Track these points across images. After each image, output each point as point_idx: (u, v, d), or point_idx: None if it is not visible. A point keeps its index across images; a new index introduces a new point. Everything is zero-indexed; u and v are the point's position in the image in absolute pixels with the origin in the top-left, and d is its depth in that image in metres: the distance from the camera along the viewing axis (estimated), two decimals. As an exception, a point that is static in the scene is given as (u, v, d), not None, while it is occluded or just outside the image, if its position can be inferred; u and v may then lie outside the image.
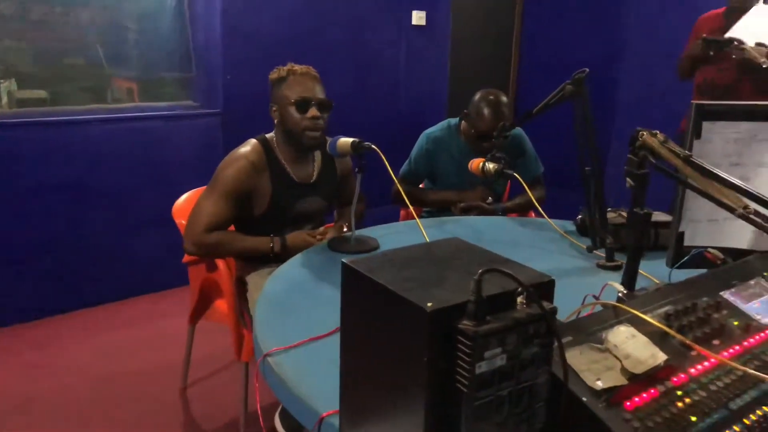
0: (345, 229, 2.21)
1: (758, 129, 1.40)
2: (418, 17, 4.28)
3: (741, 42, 2.98)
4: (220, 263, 2.14)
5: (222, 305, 2.31)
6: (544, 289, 0.81)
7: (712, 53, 3.05)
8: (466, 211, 2.63)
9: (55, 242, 3.27)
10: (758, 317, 1.09)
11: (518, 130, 2.78)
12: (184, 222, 2.15)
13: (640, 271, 1.35)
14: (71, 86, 3.39)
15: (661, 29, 4.23)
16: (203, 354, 2.75)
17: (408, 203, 2.04)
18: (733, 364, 0.95)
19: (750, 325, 1.06)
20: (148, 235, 3.50)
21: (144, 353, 2.95)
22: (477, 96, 2.65)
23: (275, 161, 2.14)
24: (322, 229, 2.20)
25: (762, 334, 1.05)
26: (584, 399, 0.84)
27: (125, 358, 2.91)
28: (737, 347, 1.00)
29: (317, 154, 2.27)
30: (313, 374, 1.19)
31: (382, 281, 0.80)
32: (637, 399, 0.85)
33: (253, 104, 3.57)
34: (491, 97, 2.60)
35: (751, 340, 1.03)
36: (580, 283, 1.57)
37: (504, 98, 2.64)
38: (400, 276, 0.81)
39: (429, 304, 0.73)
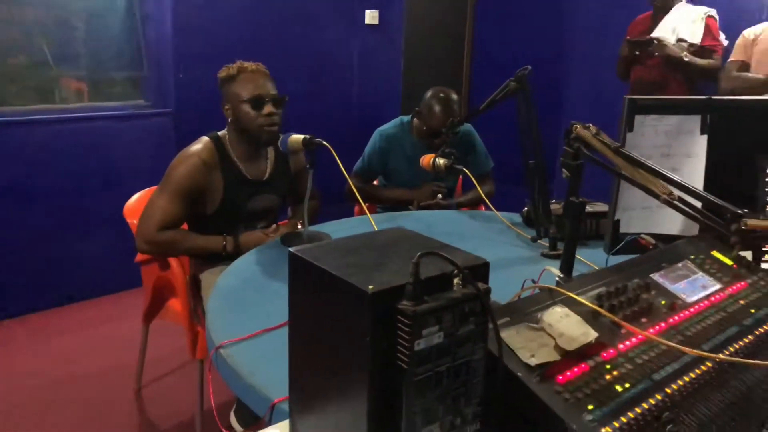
0: (299, 226, 2.24)
1: (685, 122, 1.48)
2: (371, 16, 4.32)
3: (661, 40, 3.14)
4: (173, 262, 2.14)
5: (176, 304, 2.31)
6: (479, 271, 0.86)
7: (637, 53, 3.21)
8: (424, 209, 2.69)
9: (1, 246, 3.19)
10: (684, 296, 1.16)
11: (468, 126, 2.85)
12: (135, 222, 2.14)
13: (580, 258, 1.42)
14: (16, 86, 3.32)
15: (604, 30, 4.37)
16: (158, 354, 2.74)
17: (359, 199, 2.08)
18: (659, 339, 1.02)
19: (676, 304, 1.13)
20: (99, 237, 3.45)
21: (97, 356, 2.92)
22: (428, 94, 2.71)
23: (228, 159, 2.16)
24: (274, 227, 2.22)
25: (686, 312, 1.12)
26: (519, 374, 0.89)
27: (78, 361, 2.87)
28: (663, 324, 1.07)
29: (270, 152, 2.29)
30: (265, 364, 1.22)
31: (326, 267, 0.84)
32: (568, 373, 0.91)
33: (206, 103, 3.54)
34: (442, 95, 2.66)
35: (676, 317, 1.10)
36: (525, 270, 1.63)
37: (454, 96, 2.70)
38: (344, 262, 0.85)
39: (370, 287, 0.77)
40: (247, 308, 1.52)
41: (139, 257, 2.28)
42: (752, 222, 1.06)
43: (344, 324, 0.82)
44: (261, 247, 1.99)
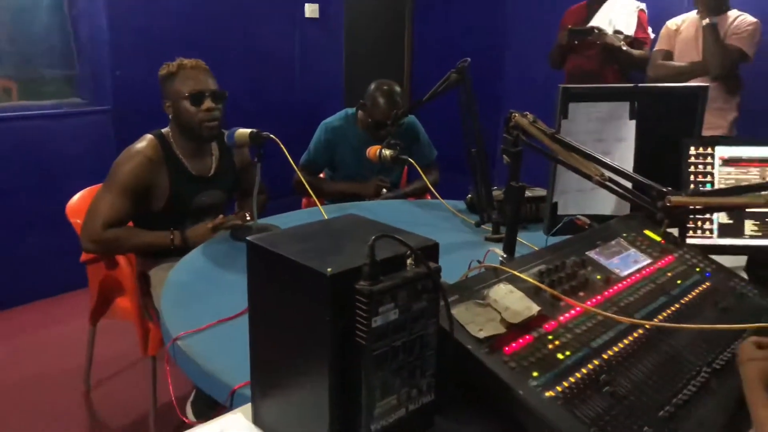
0: (248, 219, 2.25)
1: (615, 108, 1.58)
2: (311, 10, 4.33)
3: (601, 29, 3.28)
4: (121, 259, 2.12)
5: (124, 302, 2.29)
6: (429, 251, 0.91)
7: (576, 42, 3.33)
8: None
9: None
10: (617, 271, 1.25)
11: (412, 118, 2.91)
12: (79, 221, 2.11)
13: (522, 240, 1.50)
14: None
15: (539, 21, 4.51)
16: (107, 355, 2.70)
17: (309, 190, 2.11)
18: (595, 310, 1.10)
19: (610, 278, 1.22)
20: (38, 238, 3.35)
21: (42, 359, 2.85)
22: (372, 86, 2.75)
23: (172, 156, 2.15)
24: (221, 216, 2.21)
25: (620, 285, 1.21)
26: (469, 347, 0.95)
27: (22, 365, 2.80)
28: (599, 297, 1.15)
29: (214, 147, 2.29)
30: (224, 353, 1.25)
31: (284, 253, 0.87)
32: (514, 344, 0.98)
33: (146, 100, 3.49)
34: (385, 87, 2.71)
35: (611, 290, 1.19)
36: (471, 254, 1.68)
37: (397, 88, 2.75)
38: (301, 248, 0.89)
39: (329, 269, 0.81)
40: (200, 301, 1.53)
41: (85, 256, 2.24)
42: (675, 198, 1.15)
43: (304, 306, 0.86)
44: (210, 241, 1.99)
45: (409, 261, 0.87)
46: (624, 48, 3.29)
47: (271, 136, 1.90)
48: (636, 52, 3.38)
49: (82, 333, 2.53)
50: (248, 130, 1.95)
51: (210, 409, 2.04)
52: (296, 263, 0.85)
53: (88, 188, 2.39)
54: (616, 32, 3.32)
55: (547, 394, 0.91)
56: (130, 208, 2.06)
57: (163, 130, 2.18)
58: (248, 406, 1.02)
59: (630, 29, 3.42)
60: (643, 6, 3.48)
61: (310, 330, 0.85)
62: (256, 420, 0.99)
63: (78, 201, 2.36)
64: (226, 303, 1.44)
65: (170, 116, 2.15)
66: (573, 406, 0.90)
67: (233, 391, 1.11)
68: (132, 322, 2.20)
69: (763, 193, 1.11)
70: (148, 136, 2.14)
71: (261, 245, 0.91)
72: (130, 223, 2.15)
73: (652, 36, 3.46)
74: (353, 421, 0.85)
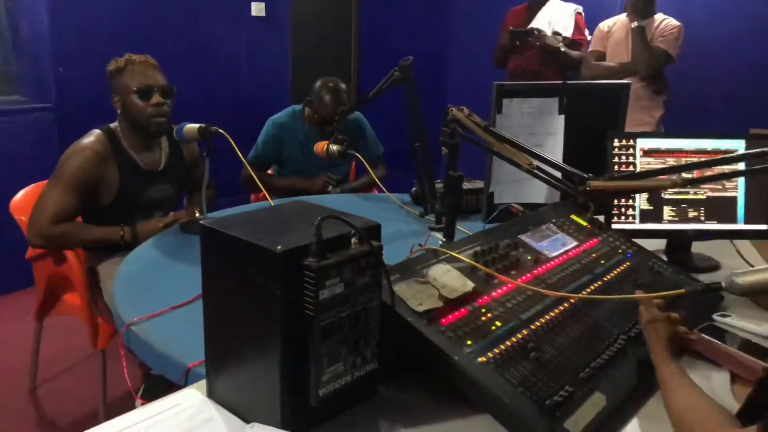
0: (197, 214, 2.27)
1: (545, 104, 1.70)
2: (257, 8, 4.36)
3: (541, 31, 3.43)
4: (70, 255, 2.12)
5: (72, 298, 2.29)
6: (372, 231, 0.99)
7: (518, 43, 3.47)
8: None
9: None
10: (546, 252, 1.36)
11: (358, 114, 2.99)
12: (24, 218, 2.10)
13: (462, 229, 1.60)
14: None
15: (481, 22, 4.65)
16: (53, 352, 2.68)
17: (258, 183, 2.16)
18: (525, 286, 1.20)
19: (539, 258, 1.33)
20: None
21: (-16, 360, 2.80)
22: (318, 84, 2.82)
23: (121, 150, 2.16)
24: (171, 214, 2.25)
25: (548, 264, 1.32)
26: (409, 319, 1.04)
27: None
28: (529, 275, 1.26)
29: (164, 142, 2.31)
30: (177, 337, 1.30)
31: (237, 234, 0.94)
32: (450, 317, 1.07)
33: (90, 96, 3.46)
34: (331, 84, 2.78)
35: (540, 269, 1.29)
36: (415, 241, 1.78)
37: (343, 85, 2.83)
38: (252, 229, 0.96)
39: (279, 247, 0.88)
40: (152, 290, 1.57)
41: (31, 252, 2.23)
42: (594, 183, 1.27)
43: (256, 283, 0.93)
44: (159, 235, 2.02)
45: (353, 240, 0.95)
46: (562, 49, 3.45)
47: (220, 130, 1.95)
48: (573, 52, 3.55)
49: (27, 332, 2.51)
50: (197, 125, 1.99)
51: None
52: (248, 243, 0.92)
53: (33, 185, 2.38)
54: (555, 34, 3.49)
55: (480, 359, 1.00)
56: (78, 202, 2.06)
57: (112, 125, 2.19)
58: (202, 383, 1.08)
59: (568, 31, 3.59)
60: (580, 9, 3.66)
61: (261, 305, 0.92)
62: (211, 394, 1.05)
63: (22, 198, 2.34)
64: (177, 292, 1.48)
65: (119, 111, 2.16)
66: (503, 370, 0.99)
67: (188, 370, 1.16)
68: (79, 318, 2.20)
69: (668, 176, 1.24)
70: (96, 131, 2.15)
71: (214, 228, 0.98)
72: (79, 219, 2.16)
73: (589, 38, 3.63)
74: (303, 387, 0.92)
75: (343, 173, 3.05)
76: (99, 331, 2.16)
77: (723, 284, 1.19)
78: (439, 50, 4.97)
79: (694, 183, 1.32)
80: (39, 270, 2.34)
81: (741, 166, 1.60)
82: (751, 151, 1.28)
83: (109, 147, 2.13)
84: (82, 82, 3.52)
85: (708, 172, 1.55)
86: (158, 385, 1.83)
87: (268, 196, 2.12)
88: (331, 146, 2.31)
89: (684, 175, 1.22)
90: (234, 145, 1.91)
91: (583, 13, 3.67)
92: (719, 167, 1.41)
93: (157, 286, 1.60)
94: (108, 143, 2.13)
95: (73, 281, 2.16)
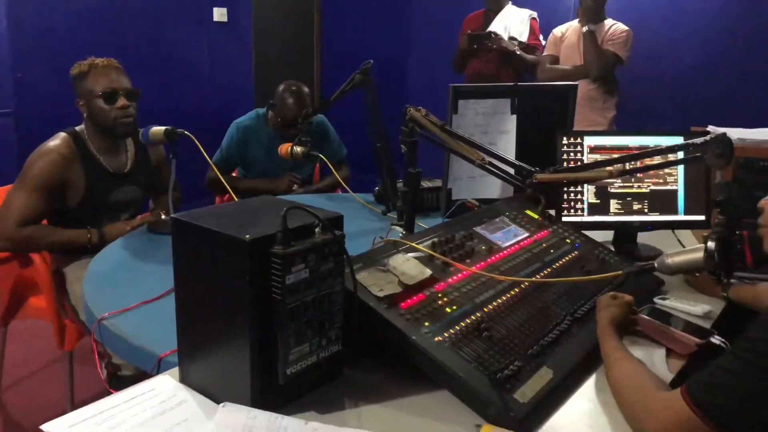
0: (163, 216, 2.30)
1: (498, 104, 1.79)
2: (219, 14, 4.39)
3: (497, 35, 3.55)
4: (36, 257, 2.14)
5: (38, 301, 2.30)
6: (335, 222, 1.06)
7: (475, 46, 3.59)
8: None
9: None
10: (499, 243, 1.45)
11: (321, 117, 3.05)
12: (-12, 222, 2.10)
13: (422, 224, 1.67)
14: None
15: (440, 27, 4.76)
16: (18, 356, 2.67)
17: (225, 185, 2.20)
18: (479, 272, 1.29)
19: (493, 248, 1.41)
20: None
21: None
22: (281, 87, 2.88)
23: (87, 153, 2.19)
24: (139, 218, 2.27)
25: (501, 254, 1.41)
26: (371, 304, 1.11)
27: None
28: (483, 263, 1.35)
29: (130, 145, 2.34)
30: (149, 329, 1.34)
31: (207, 225, 1.00)
32: (409, 301, 1.15)
33: (51, 101, 3.46)
34: (293, 88, 2.84)
35: (494, 258, 1.38)
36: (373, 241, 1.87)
37: (305, 88, 2.89)
38: (222, 221, 1.02)
39: (247, 236, 0.95)
40: (122, 287, 1.61)
41: (-4, 256, 2.24)
42: (540, 176, 1.36)
43: (225, 271, 0.99)
44: (127, 235, 2.06)
45: (317, 230, 1.02)
46: (518, 52, 3.58)
47: (186, 132, 1.99)
48: (528, 56, 3.68)
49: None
50: (163, 128, 2.02)
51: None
52: (218, 233, 0.98)
53: (-3, 189, 2.38)
54: (511, 38, 3.62)
55: (437, 339, 1.08)
56: (45, 205, 2.08)
57: (77, 128, 2.21)
58: (175, 370, 1.13)
59: (523, 36, 3.72)
60: (534, 15, 3.80)
61: (231, 291, 0.99)
62: (184, 379, 1.11)
63: (-15, 202, 2.34)
64: (146, 288, 1.53)
65: (84, 114, 2.19)
66: (458, 348, 1.08)
67: (160, 359, 1.21)
68: (45, 321, 2.21)
69: (606, 168, 1.34)
70: (62, 134, 2.17)
71: (185, 220, 1.04)
72: (44, 221, 2.17)
73: (543, 43, 3.77)
74: (271, 367, 0.99)
75: (307, 174, 3.11)
76: (66, 333, 2.17)
77: (655, 265, 1.29)
78: (400, 54, 5.07)
79: (628, 173, 1.43)
80: (4, 273, 2.34)
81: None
82: (676, 144, 1.39)
83: (75, 150, 2.15)
84: (41, 87, 3.51)
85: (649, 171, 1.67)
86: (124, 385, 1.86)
87: (235, 198, 2.17)
88: (295, 148, 2.36)
89: (618, 166, 1.32)
90: (200, 147, 1.95)
91: (537, 19, 3.80)
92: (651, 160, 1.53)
93: (126, 284, 1.64)
94: (74, 146, 2.15)
95: (40, 284, 2.17)
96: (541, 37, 3.80)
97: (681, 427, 0.91)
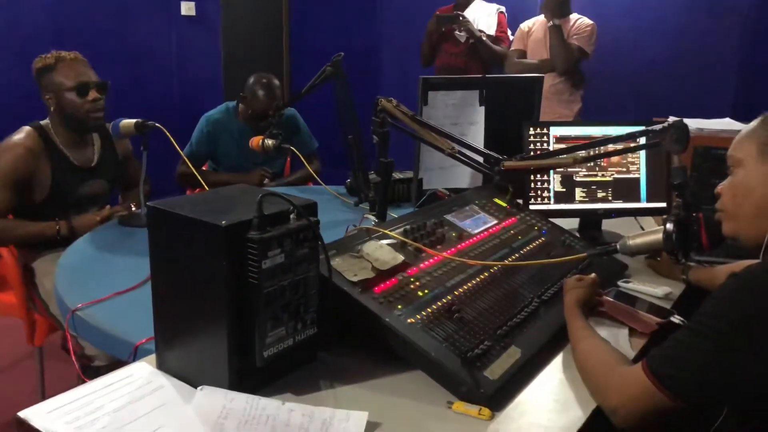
0: (133, 208, 2.29)
1: (467, 96, 1.83)
2: (187, 8, 4.34)
3: (464, 17, 3.60)
4: (4, 252, 2.12)
5: (5, 297, 2.27)
6: (309, 208, 1.09)
7: (443, 29, 3.64)
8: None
9: None
10: (469, 230, 1.49)
11: (292, 110, 3.05)
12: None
13: (392, 214, 1.70)
14: None
15: (411, 20, 4.78)
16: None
17: (200, 178, 2.20)
18: (450, 257, 1.32)
19: (463, 235, 1.45)
20: None
21: None
22: (251, 80, 2.88)
23: (53, 147, 2.16)
24: (108, 207, 2.25)
25: (471, 240, 1.45)
26: (345, 288, 1.14)
27: None
28: (453, 249, 1.38)
29: (96, 138, 2.32)
30: (122, 319, 1.35)
31: (183, 212, 1.02)
32: (382, 286, 1.18)
33: (16, 95, 3.40)
34: (264, 80, 2.85)
35: (463, 244, 1.42)
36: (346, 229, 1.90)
37: (276, 81, 2.89)
38: (197, 209, 1.04)
39: (223, 222, 0.97)
40: (94, 280, 1.60)
41: (-39, 252, 2.20)
42: (508, 164, 1.41)
43: (202, 257, 1.01)
44: (97, 229, 2.05)
45: (292, 216, 1.05)
46: (484, 39, 3.64)
47: (157, 124, 1.99)
48: (495, 46, 3.75)
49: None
50: (133, 120, 2.02)
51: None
52: (194, 219, 1.00)
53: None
54: (479, 31, 3.68)
55: (409, 320, 1.12)
56: (11, 200, 2.06)
57: (42, 122, 2.18)
58: (151, 357, 1.15)
59: (491, 29, 3.79)
60: (502, 9, 3.86)
61: (208, 277, 1.00)
62: (161, 365, 1.12)
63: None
64: (118, 280, 1.53)
65: (51, 108, 2.16)
66: (430, 329, 1.11)
67: (137, 347, 1.23)
68: (13, 317, 2.19)
69: (569, 154, 1.38)
70: (26, 128, 2.15)
71: (161, 208, 1.05)
72: (10, 216, 2.15)
73: (511, 37, 3.83)
74: (248, 350, 1.01)
75: (278, 167, 3.12)
76: (36, 327, 2.15)
77: (618, 247, 1.35)
78: (369, 48, 5.08)
79: (592, 159, 1.48)
80: (-30, 270, 2.31)
81: (642, 152, 1.79)
82: (637, 130, 1.45)
83: (41, 143, 2.13)
84: (3, 80, 3.44)
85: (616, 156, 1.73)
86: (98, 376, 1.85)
87: (206, 187, 2.17)
88: (266, 141, 2.37)
89: (580, 153, 1.37)
90: (172, 139, 1.96)
91: (505, 13, 3.86)
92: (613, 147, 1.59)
93: (98, 276, 1.64)
94: (39, 140, 2.13)
95: (9, 279, 2.15)
96: (508, 31, 3.86)
97: (642, 397, 0.96)
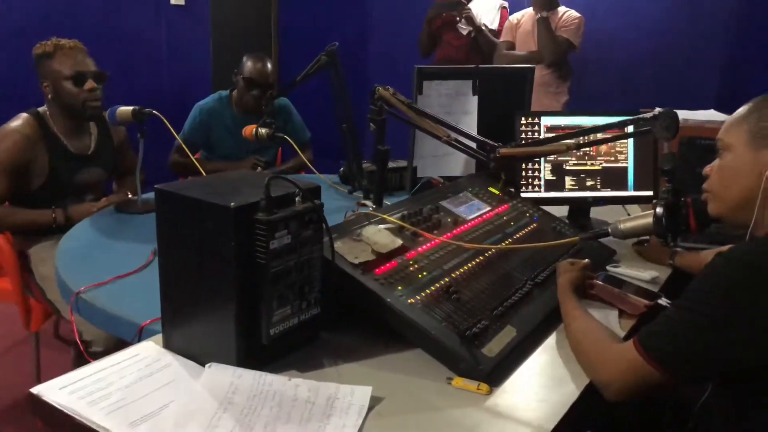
0: (129, 195, 2.31)
1: (461, 86, 1.87)
2: (176, -3, 4.34)
3: (464, 4, 3.65)
4: (0, 238, 2.12)
5: (2, 283, 2.28)
6: (314, 191, 1.12)
7: (444, 16, 3.69)
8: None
9: None
10: (464, 216, 1.54)
11: (284, 100, 3.07)
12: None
13: (387, 202, 1.74)
14: None
15: (402, 11, 4.81)
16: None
17: (197, 165, 2.21)
18: (448, 241, 1.37)
19: (458, 220, 1.50)
20: None
21: None
22: (244, 57, 2.91)
23: (50, 134, 2.18)
24: (104, 199, 2.27)
25: (466, 225, 1.49)
26: (347, 270, 1.18)
27: None
28: (449, 234, 1.42)
29: (92, 126, 2.33)
30: (126, 301, 1.38)
31: (192, 195, 1.05)
32: (383, 268, 1.22)
33: (5, 82, 3.39)
34: (256, 54, 2.88)
35: (459, 229, 1.46)
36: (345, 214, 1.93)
37: (268, 58, 2.92)
38: (206, 191, 1.07)
39: (232, 204, 1.00)
40: (95, 263, 1.63)
41: (-43, 239, 2.21)
42: (503, 150, 1.45)
43: (211, 238, 1.04)
44: (94, 215, 2.06)
45: (297, 199, 1.08)
46: (483, 28, 3.70)
47: (155, 112, 2.01)
48: (494, 39, 3.80)
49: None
50: (131, 108, 2.04)
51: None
52: (203, 201, 1.03)
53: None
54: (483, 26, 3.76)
55: (409, 301, 1.16)
56: (9, 186, 2.07)
57: (39, 109, 2.19)
58: (157, 337, 1.18)
59: (494, 24, 3.86)
60: (505, 4, 3.93)
61: (217, 257, 1.04)
62: (167, 344, 1.15)
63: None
64: (118, 264, 1.56)
65: (49, 96, 2.17)
66: (429, 309, 1.15)
67: (142, 327, 1.26)
68: (7, 303, 2.21)
69: (562, 142, 1.43)
70: (24, 115, 2.15)
71: (170, 191, 1.08)
72: (6, 203, 2.16)
73: None
74: (255, 328, 1.04)
75: (270, 156, 3.14)
76: (32, 313, 2.17)
77: (609, 230, 1.40)
78: (359, 38, 5.10)
79: (584, 146, 1.53)
80: (-36, 257, 2.31)
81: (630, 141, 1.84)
82: (628, 118, 1.49)
83: (38, 130, 2.14)
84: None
85: (602, 144, 1.78)
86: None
87: (203, 171, 2.18)
88: (260, 130, 2.39)
89: (572, 141, 1.41)
90: (169, 126, 1.98)
91: (508, 8, 3.92)
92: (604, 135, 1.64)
93: (98, 261, 1.66)
94: (37, 127, 2.14)
95: (4, 265, 2.16)
96: None
97: (633, 371, 1.01)
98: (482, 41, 3.74)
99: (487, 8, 3.87)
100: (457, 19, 3.71)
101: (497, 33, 3.82)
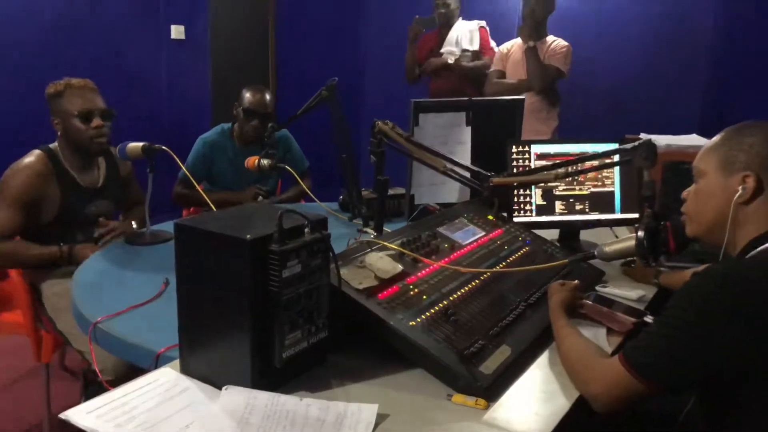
0: (134, 225, 2.37)
1: (455, 117, 1.98)
2: (177, 31, 4.47)
3: (452, 56, 3.79)
4: (12, 272, 2.20)
5: (11, 316, 2.35)
6: (321, 223, 1.21)
7: (424, 30, 3.84)
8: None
9: None
10: (460, 241, 1.62)
11: (285, 131, 3.18)
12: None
13: (386, 228, 1.83)
14: None
15: (392, 44, 4.95)
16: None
17: (205, 197, 2.29)
18: (446, 266, 1.45)
19: (454, 246, 1.58)
20: None
21: None
22: (243, 89, 3.02)
23: (62, 169, 2.26)
24: (108, 237, 2.32)
25: (462, 250, 1.58)
26: (352, 295, 1.26)
27: None
28: (447, 258, 1.51)
29: (101, 161, 2.42)
30: (143, 330, 1.45)
31: (210, 228, 1.13)
32: (385, 293, 1.30)
33: (10, 119, 3.49)
34: (255, 86, 3.00)
35: (455, 254, 1.55)
36: (347, 241, 2.02)
37: (267, 89, 3.03)
38: (222, 224, 1.15)
39: (248, 236, 1.09)
40: (110, 294, 1.70)
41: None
42: (496, 180, 1.54)
43: (227, 268, 1.12)
44: (108, 247, 2.14)
45: (306, 230, 1.17)
46: (470, 65, 3.86)
47: (164, 147, 2.10)
48: (469, 63, 3.95)
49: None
50: (140, 144, 2.13)
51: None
52: (221, 234, 1.12)
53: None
54: (464, 51, 3.89)
55: (411, 323, 1.24)
56: (22, 221, 2.15)
57: (51, 145, 2.28)
58: (175, 363, 1.25)
59: (474, 44, 3.99)
60: (483, 23, 4.08)
61: (232, 286, 1.12)
62: (184, 369, 1.22)
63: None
64: (133, 294, 1.63)
65: (59, 133, 2.26)
66: (429, 330, 1.24)
67: (159, 354, 1.33)
68: (16, 336, 2.27)
69: (552, 171, 1.53)
70: (36, 152, 2.24)
71: (189, 225, 1.17)
72: (17, 237, 2.23)
73: (496, 49, 4.00)
74: (268, 352, 1.12)
75: (271, 186, 3.23)
76: (42, 344, 2.23)
77: (595, 253, 1.49)
78: (353, 71, 5.24)
79: (571, 175, 1.62)
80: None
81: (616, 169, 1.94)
82: (610, 149, 1.59)
83: (50, 166, 2.23)
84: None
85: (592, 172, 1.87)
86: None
87: (213, 207, 2.26)
88: (262, 161, 2.49)
89: (561, 170, 1.51)
90: (178, 161, 2.07)
91: (487, 28, 4.07)
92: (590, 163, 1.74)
93: (113, 291, 1.74)
94: (49, 163, 2.23)
95: (16, 297, 2.23)
96: (492, 42, 4.06)
97: (620, 385, 1.09)
98: (468, 73, 3.90)
99: (466, 30, 4.02)
100: (441, 53, 3.88)
101: (478, 53, 3.96)
